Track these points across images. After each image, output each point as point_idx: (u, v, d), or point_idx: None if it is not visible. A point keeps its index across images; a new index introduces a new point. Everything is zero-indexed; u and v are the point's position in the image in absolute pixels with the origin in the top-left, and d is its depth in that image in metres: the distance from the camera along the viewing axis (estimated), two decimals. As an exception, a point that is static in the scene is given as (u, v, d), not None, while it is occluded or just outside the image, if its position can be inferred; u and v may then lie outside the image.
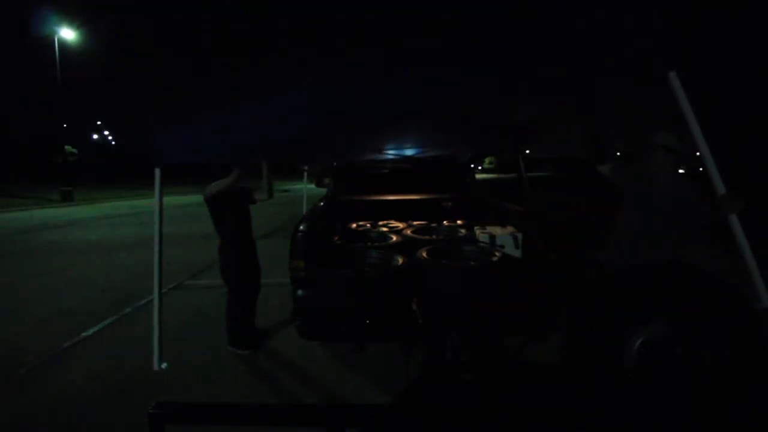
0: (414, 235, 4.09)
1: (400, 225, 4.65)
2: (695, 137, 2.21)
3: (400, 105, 2.22)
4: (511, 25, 2.28)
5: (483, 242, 3.75)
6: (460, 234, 4.24)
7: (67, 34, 21.07)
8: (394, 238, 3.99)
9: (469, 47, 2.27)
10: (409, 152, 4.83)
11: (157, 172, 2.45)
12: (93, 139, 79.16)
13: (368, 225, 4.70)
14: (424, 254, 3.37)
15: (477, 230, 3.97)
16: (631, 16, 2.16)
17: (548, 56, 2.18)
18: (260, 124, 2.35)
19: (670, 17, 2.14)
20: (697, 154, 2.73)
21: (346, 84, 2.29)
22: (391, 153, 4.68)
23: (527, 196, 4.87)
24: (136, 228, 11.87)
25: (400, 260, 3.33)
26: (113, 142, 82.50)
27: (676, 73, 2.15)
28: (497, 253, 3.45)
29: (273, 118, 2.32)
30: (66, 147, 25.43)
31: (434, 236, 4.24)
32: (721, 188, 2.22)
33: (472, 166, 5.92)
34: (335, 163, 5.63)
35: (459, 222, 4.75)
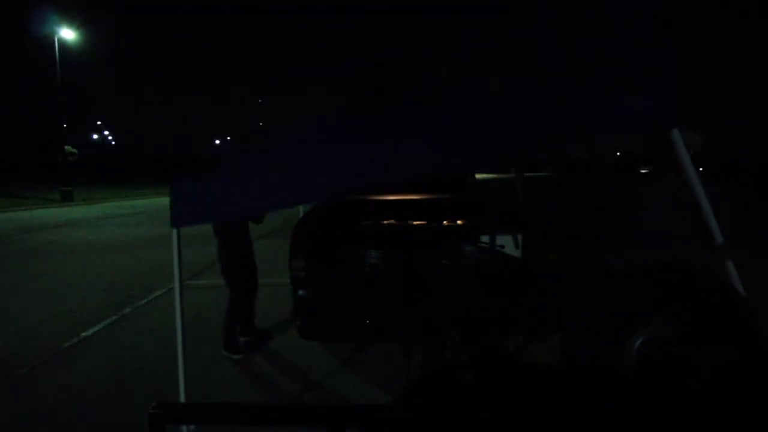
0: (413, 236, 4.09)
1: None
2: (696, 190, 2.27)
3: (407, 168, 2.24)
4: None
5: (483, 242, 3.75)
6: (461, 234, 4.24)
7: (67, 34, 21.07)
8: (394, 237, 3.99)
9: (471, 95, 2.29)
10: None
11: (175, 233, 2.43)
12: (93, 139, 79.23)
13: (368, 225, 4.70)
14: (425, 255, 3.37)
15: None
16: (637, 73, 2.21)
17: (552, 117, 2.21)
18: (275, 187, 2.33)
19: (675, 74, 2.18)
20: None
21: (356, 151, 2.28)
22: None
23: (520, 198, 4.89)
24: (136, 228, 11.87)
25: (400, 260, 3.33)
26: (113, 142, 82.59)
27: (679, 131, 2.21)
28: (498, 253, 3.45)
29: (287, 179, 2.31)
30: (66, 147, 25.44)
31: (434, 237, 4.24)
32: (719, 238, 2.27)
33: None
34: None
35: (459, 222, 4.74)
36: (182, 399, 2.38)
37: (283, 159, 2.39)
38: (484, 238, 3.78)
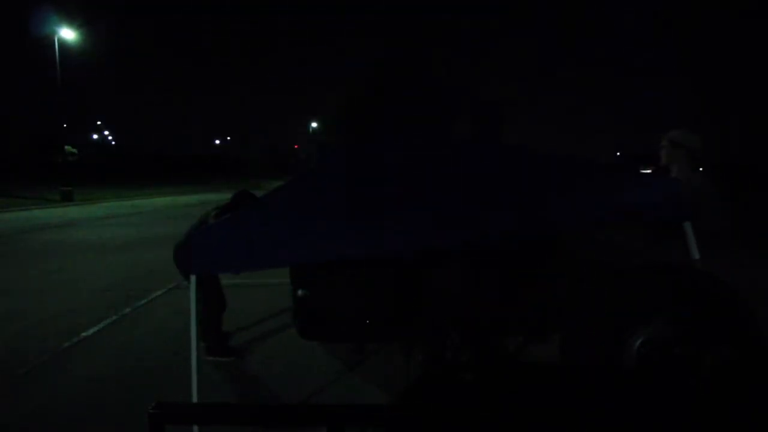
0: None
1: None
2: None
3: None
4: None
5: None
6: None
7: (67, 34, 21.06)
8: None
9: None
10: None
11: (193, 279, 2.40)
12: (93, 139, 79.37)
13: None
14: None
15: None
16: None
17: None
18: (313, 239, 2.33)
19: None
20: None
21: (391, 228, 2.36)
22: None
23: None
24: (136, 228, 11.88)
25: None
26: (113, 142, 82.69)
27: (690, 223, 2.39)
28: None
29: (323, 235, 2.32)
30: (66, 147, 25.42)
31: None
32: (695, 254, 2.43)
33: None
34: None
35: None
36: (194, 398, 2.39)
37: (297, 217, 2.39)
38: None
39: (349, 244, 2.33)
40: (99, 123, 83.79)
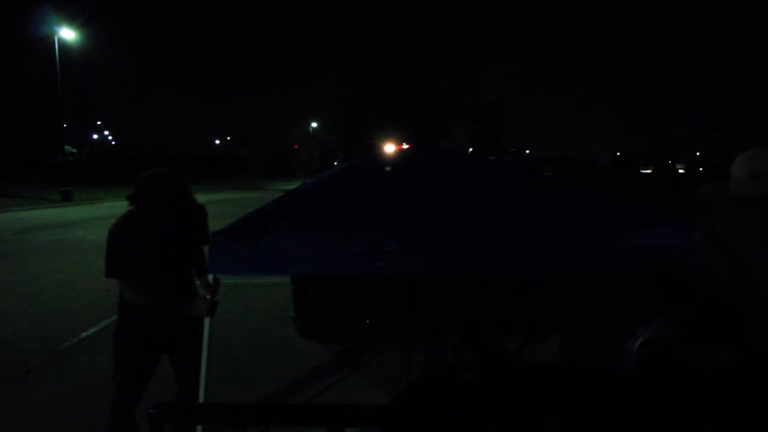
0: None
1: None
2: None
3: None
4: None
5: None
6: None
7: (67, 34, 21.05)
8: None
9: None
10: None
11: (211, 277, 2.42)
12: (93, 139, 79.42)
13: None
14: None
15: None
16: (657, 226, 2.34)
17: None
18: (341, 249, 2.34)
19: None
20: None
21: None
22: None
23: None
24: (136, 228, 11.88)
25: None
26: (113, 142, 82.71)
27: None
28: None
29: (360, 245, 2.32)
30: (66, 147, 25.41)
31: None
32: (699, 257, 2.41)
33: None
34: (336, 163, 5.65)
35: None
36: (201, 398, 2.40)
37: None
38: None
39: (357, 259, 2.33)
40: (99, 123, 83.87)
